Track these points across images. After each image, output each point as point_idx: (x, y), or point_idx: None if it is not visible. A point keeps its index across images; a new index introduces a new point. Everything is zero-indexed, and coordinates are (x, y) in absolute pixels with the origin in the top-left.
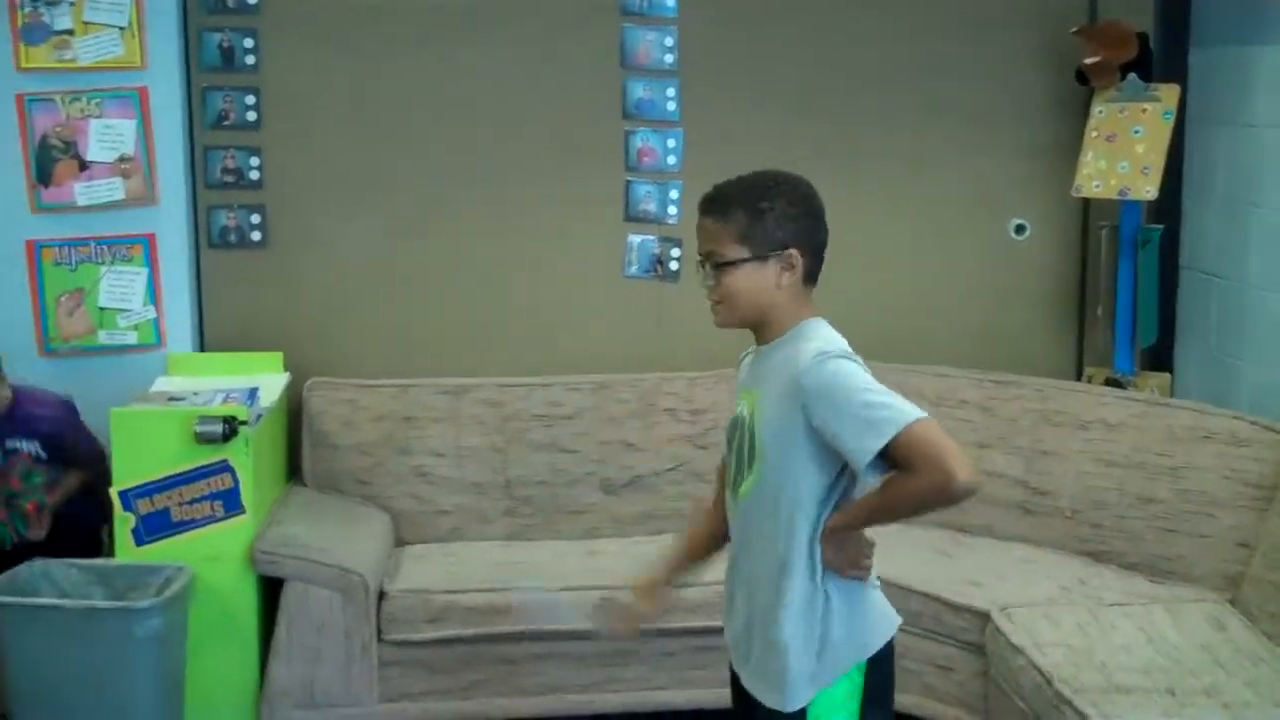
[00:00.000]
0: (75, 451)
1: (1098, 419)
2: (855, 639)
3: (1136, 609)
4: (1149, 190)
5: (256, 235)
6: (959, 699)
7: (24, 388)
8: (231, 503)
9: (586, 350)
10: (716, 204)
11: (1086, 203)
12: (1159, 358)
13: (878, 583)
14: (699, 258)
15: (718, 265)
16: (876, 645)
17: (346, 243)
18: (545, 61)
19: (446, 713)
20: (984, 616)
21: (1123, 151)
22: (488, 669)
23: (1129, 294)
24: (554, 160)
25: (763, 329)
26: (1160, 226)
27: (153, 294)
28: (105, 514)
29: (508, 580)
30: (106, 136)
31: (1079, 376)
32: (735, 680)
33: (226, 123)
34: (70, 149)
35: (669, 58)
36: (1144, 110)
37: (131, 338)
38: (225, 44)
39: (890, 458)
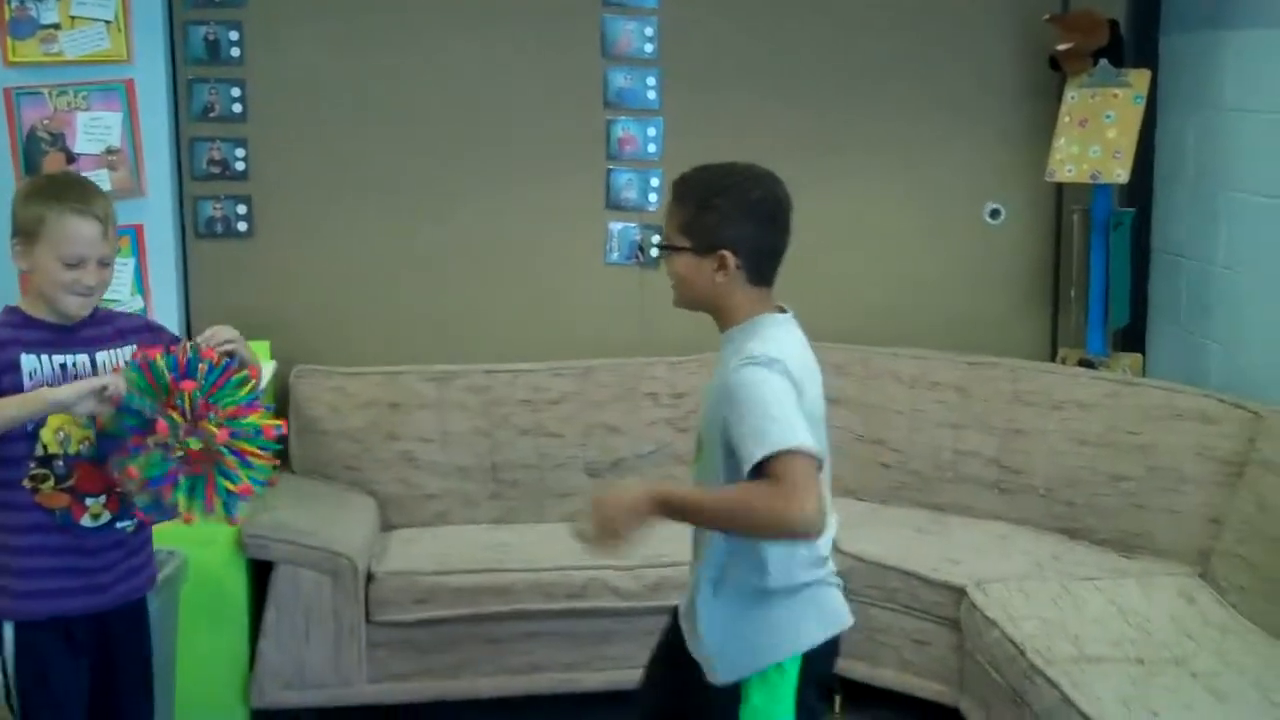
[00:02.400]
0: None
1: (1071, 399)
2: (789, 629)
3: (1108, 583)
4: (1120, 174)
5: (243, 225)
6: (935, 673)
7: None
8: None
9: (570, 336)
10: (678, 189)
11: (1059, 187)
12: (1131, 339)
13: (838, 581)
14: None
15: (663, 248)
16: (813, 640)
17: (332, 232)
18: (527, 51)
19: (434, 692)
20: (959, 592)
21: (1095, 136)
22: (475, 649)
23: (1101, 276)
24: (536, 149)
25: (717, 318)
26: (1132, 210)
27: (140, 284)
28: None
29: (495, 562)
30: (94, 129)
31: (1053, 358)
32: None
33: (212, 114)
34: (58, 141)
35: (649, 47)
36: (1115, 95)
37: None
38: (211, 36)
39: (762, 473)
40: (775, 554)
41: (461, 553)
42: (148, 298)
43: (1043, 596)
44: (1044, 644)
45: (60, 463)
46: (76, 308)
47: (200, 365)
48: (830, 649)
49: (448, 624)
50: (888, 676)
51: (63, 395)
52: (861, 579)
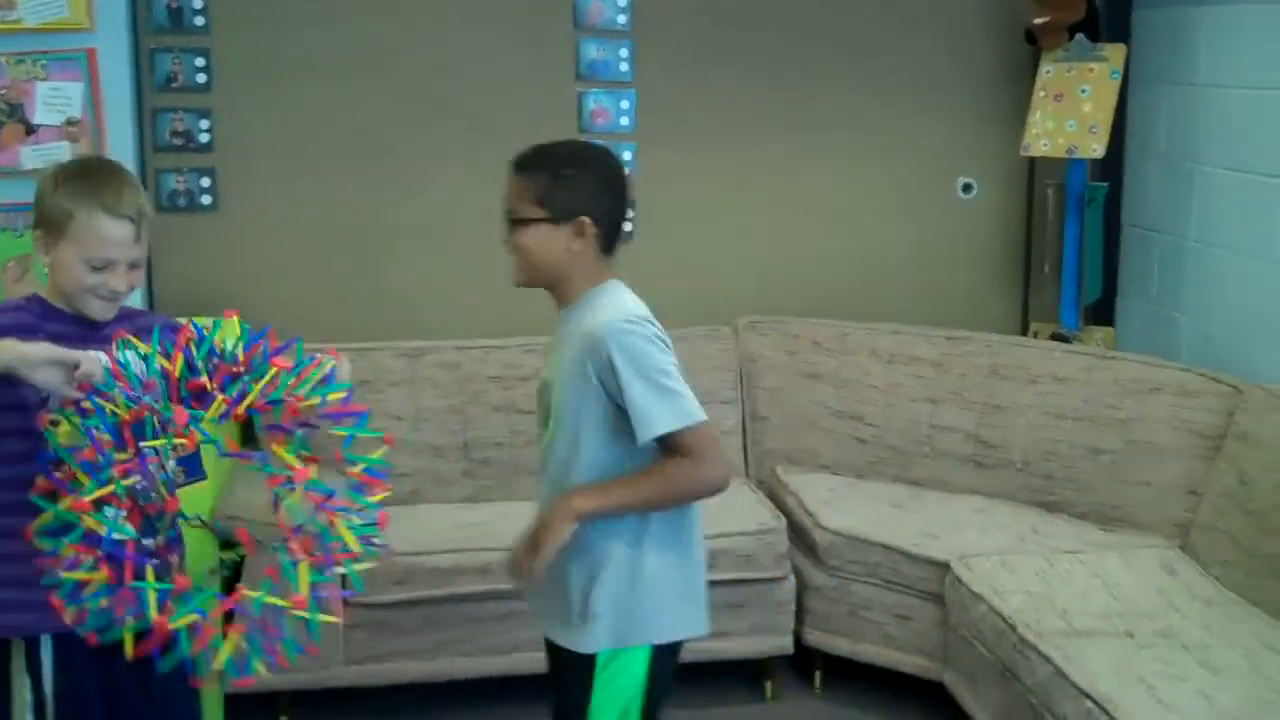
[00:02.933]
0: None
1: (1047, 373)
2: (642, 615)
3: (1090, 556)
4: (1096, 149)
5: (207, 199)
6: (918, 647)
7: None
8: (192, 468)
9: (542, 312)
10: (525, 164)
11: (1032, 162)
12: (1100, 312)
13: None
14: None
15: (513, 222)
16: (667, 635)
17: (299, 206)
18: (498, 22)
19: (413, 673)
20: (943, 566)
21: (1070, 111)
22: (454, 629)
23: (1075, 251)
24: (507, 121)
25: (558, 291)
26: (1105, 184)
27: None
28: None
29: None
30: (54, 99)
31: (1024, 332)
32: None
33: (175, 84)
34: (16, 112)
35: (621, 18)
36: (1091, 70)
37: None
38: (173, 4)
39: (668, 443)
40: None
41: (438, 532)
42: None
43: (1026, 570)
44: (1033, 618)
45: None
46: (99, 311)
47: (317, 359)
48: None
49: (426, 605)
50: (869, 652)
51: (29, 351)
52: (842, 554)
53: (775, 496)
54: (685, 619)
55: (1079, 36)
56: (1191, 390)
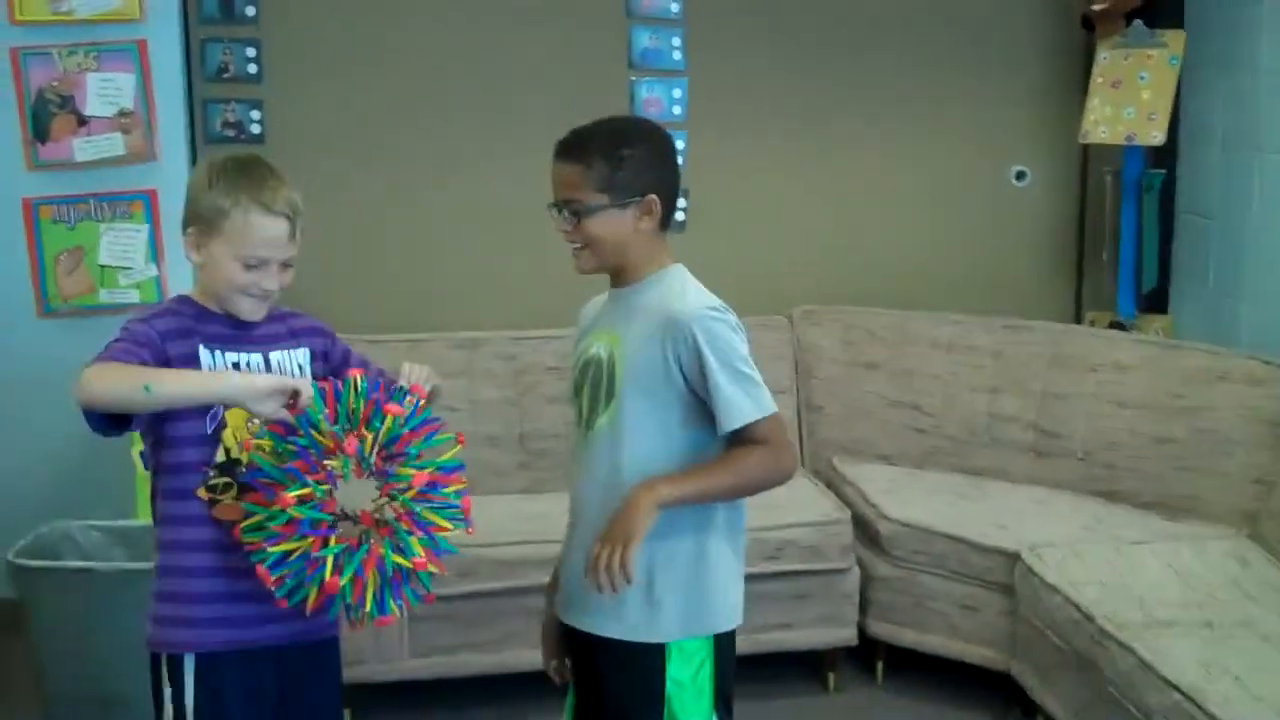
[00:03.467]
0: None
1: (1109, 361)
2: (711, 602)
3: (1160, 546)
4: (1156, 135)
5: None
6: (984, 638)
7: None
8: None
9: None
10: (575, 150)
11: (1085, 149)
12: (1153, 301)
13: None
14: (553, 204)
15: (577, 212)
16: (733, 621)
17: (352, 196)
18: (550, 11)
19: (478, 665)
20: (1012, 557)
21: (1129, 98)
22: (518, 621)
23: (1133, 238)
24: (559, 111)
25: (622, 273)
26: (1162, 172)
27: (154, 251)
28: None
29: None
30: (105, 91)
31: (1078, 320)
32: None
33: (226, 75)
34: (68, 104)
35: (674, 7)
36: (1149, 56)
37: (133, 296)
38: None
39: (743, 433)
40: None
41: (499, 524)
42: (161, 264)
43: (1097, 561)
44: (1110, 609)
45: (244, 469)
46: (249, 310)
47: (408, 398)
48: None
49: (491, 597)
50: (934, 642)
51: (259, 384)
52: (907, 545)
53: (833, 487)
54: (740, 605)
55: (1136, 22)
56: (1258, 379)
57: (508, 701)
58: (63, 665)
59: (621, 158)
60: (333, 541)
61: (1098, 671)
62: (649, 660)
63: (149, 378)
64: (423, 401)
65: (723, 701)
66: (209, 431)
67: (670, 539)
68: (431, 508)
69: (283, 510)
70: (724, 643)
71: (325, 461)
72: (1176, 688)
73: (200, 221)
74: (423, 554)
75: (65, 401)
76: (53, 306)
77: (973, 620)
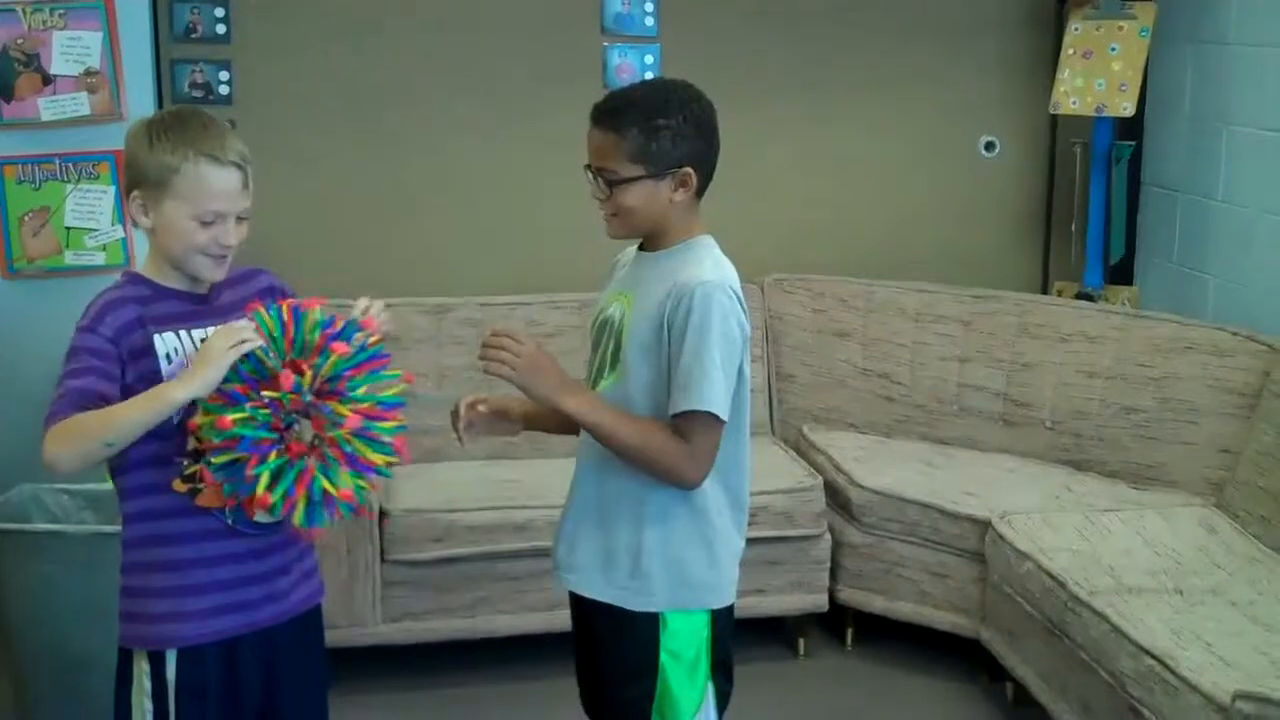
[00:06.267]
0: None
1: (1077, 331)
2: (709, 577)
3: (1129, 514)
4: (1126, 107)
5: None
6: (954, 604)
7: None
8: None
9: (566, 268)
10: (611, 118)
11: (1054, 120)
12: (1119, 272)
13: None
14: (588, 167)
15: (611, 182)
16: (714, 602)
17: (319, 160)
18: None
19: (451, 630)
20: (982, 524)
21: (1099, 69)
22: (492, 586)
23: (1101, 209)
24: (531, 76)
25: (651, 239)
26: (1132, 143)
27: (121, 213)
28: None
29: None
30: (71, 49)
31: (1045, 290)
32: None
33: (194, 35)
34: (33, 62)
35: None
36: (1120, 28)
37: (99, 258)
38: None
39: (679, 420)
40: None
41: (472, 490)
42: (127, 226)
43: (1067, 528)
44: (1081, 575)
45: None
46: (210, 271)
47: (357, 335)
48: None
49: (464, 562)
50: (904, 609)
51: (211, 376)
52: (879, 512)
53: (804, 455)
54: (734, 582)
55: None
56: (1225, 349)
57: (481, 667)
58: (31, 627)
59: (658, 128)
60: (272, 457)
61: (1069, 638)
62: (644, 630)
63: (108, 432)
64: (373, 338)
65: (722, 672)
66: (175, 422)
67: (663, 509)
68: (365, 441)
69: (223, 429)
70: (722, 618)
71: (263, 392)
72: (1149, 653)
73: (146, 183)
74: (350, 484)
75: (32, 363)
76: (17, 267)
77: (942, 587)
